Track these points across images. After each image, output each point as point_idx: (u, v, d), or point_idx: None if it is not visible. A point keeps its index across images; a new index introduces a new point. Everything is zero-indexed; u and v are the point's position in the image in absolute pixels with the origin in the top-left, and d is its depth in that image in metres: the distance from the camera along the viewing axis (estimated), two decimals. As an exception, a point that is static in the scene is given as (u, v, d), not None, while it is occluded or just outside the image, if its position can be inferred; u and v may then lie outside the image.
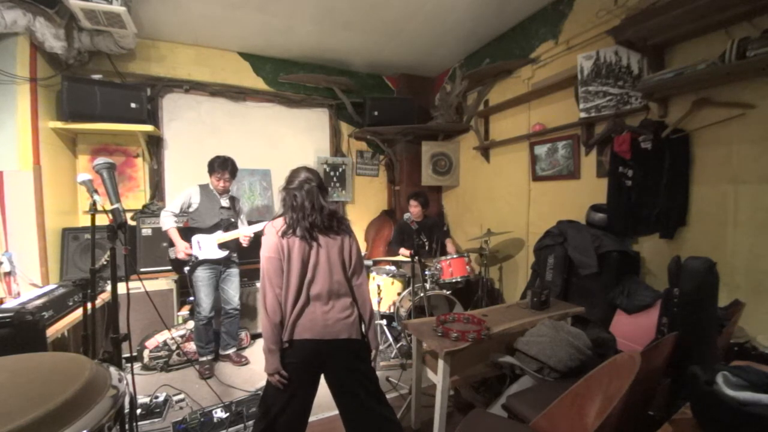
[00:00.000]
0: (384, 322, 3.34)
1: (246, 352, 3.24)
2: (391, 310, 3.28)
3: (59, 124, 3.03)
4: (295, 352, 1.50)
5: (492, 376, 2.22)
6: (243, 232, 2.90)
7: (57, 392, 0.93)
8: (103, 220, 1.70)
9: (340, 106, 4.46)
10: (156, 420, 2.25)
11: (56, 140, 3.12)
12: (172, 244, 2.83)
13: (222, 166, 2.84)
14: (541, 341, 1.90)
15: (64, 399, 0.91)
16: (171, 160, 3.78)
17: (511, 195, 3.66)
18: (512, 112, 3.58)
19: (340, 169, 4.52)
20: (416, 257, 2.56)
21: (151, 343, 2.94)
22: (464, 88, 4.00)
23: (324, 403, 1.59)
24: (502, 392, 2.01)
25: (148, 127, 3.29)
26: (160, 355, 2.92)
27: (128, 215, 3.15)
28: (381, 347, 3.22)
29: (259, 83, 4.06)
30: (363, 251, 4.43)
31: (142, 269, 3.20)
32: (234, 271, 3.04)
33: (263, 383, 2.57)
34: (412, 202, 3.58)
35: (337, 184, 4.50)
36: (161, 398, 2.42)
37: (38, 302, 2.10)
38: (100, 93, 3.06)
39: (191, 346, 2.99)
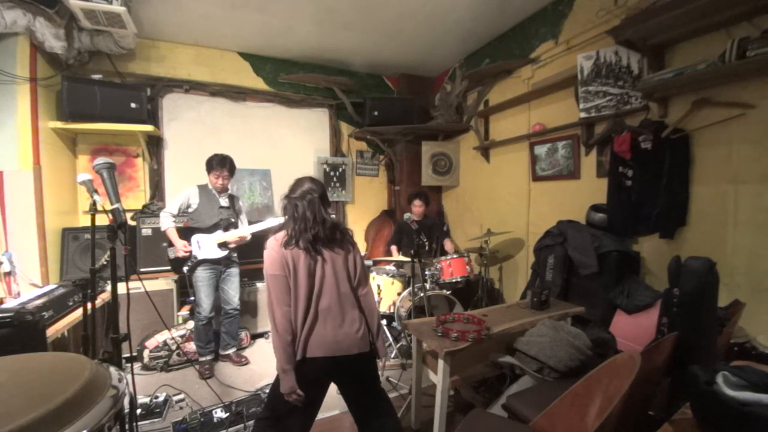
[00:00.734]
0: (384, 322, 3.34)
1: (246, 352, 3.23)
2: (391, 310, 3.28)
3: (59, 124, 3.03)
4: (307, 370, 1.48)
5: (492, 376, 2.22)
6: (243, 233, 2.90)
7: (57, 392, 0.93)
8: (103, 220, 1.69)
9: (340, 106, 4.46)
10: (156, 420, 2.25)
11: (56, 140, 3.12)
12: (171, 244, 2.83)
13: (220, 163, 2.84)
14: (541, 341, 1.90)
15: (64, 399, 0.91)
16: (171, 160, 3.78)
17: (511, 195, 3.66)
18: (512, 112, 3.58)
19: (340, 169, 4.52)
20: (416, 257, 2.56)
21: (151, 343, 2.94)
22: (464, 88, 4.00)
23: (325, 402, 1.60)
24: (502, 392, 2.01)
25: (148, 127, 3.29)
26: (160, 355, 2.92)
27: (128, 215, 3.15)
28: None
29: (259, 83, 4.06)
30: (363, 251, 4.43)
31: (142, 269, 3.20)
32: (234, 271, 3.03)
33: (263, 383, 2.59)
34: (417, 202, 3.57)
35: (337, 184, 4.50)
36: (161, 398, 2.42)
37: (38, 302, 2.10)
38: (100, 93, 3.07)
39: (191, 346, 2.99)
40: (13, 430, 0.79)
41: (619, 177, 2.53)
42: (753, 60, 1.78)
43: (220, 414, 2.22)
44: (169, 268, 3.21)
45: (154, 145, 3.69)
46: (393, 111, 4.16)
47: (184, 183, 3.16)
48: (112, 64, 3.41)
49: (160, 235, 3.08)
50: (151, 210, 3.37)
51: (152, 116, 3.52)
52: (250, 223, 3.05)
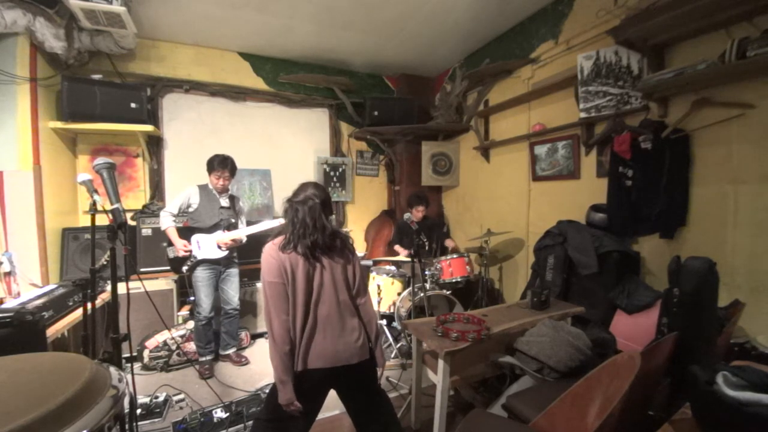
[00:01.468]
0: (384, 322, 3.34)
1: (246, 352, 3.23)
2: (391, 310, 3.28)
3: (59, 124, 3.03)
4: (307, 381, 1.47)
5: (492, 376, 2.22)
6: (243, 233, 2.90)
7: (57, 392, 0.93)
8: (103, 220, 1.69)
9: (340, 106, 4.46)
10: (156, 420, 2.25)
11: (56, 140, 3.12)
12: (171, 244, 2.83)
13: (221, 164, 2.83)
14: (541, 341, 1.90)
15: (64, 399, 0.91)
16: (171, 160, 3.78)
17: (511, 195, 3.66)
18: (512, 112, 3.58)
19: (340, 169, 4.52)
20: (416, 257, 2.56)
21: (151, 343, 2.94)
22: (464, 88, 4.00)
23: (325, 403, 1.59)
24: (502, 392, 2.01)
25: (148, 127, 3.29)
26: (160, 355, 2.92)
27: (128, 215, 3.15)
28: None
29: (259, 83, 4.06)
30: (363, 251, 4.43)
31: (142, 269, 3.20)
32: (234, 271, 3.03)
33: (263, 383, 2.59)
34: (419, 208, 3.56)
35: (337, 184, 4.50)
36: (161, 398, 2.42)
37: (38, 302, 2.10)
38: (100, 93, 3.06)
39: (191, 346, 2.99)
40: (13, 430, 0.79)
41: (619, 177, 2.53)
42: (753, 60, 1.78)
43: (220, 414, 2.22)
44: (168, 268, 3.21)
45: (154, 145, 3.69)
46: (393, 111, 4.16)
47: (184, 183, 3.16)
48: (112, 64, 3.41)
49: (160, 235, 3.08)
50: (151, 210, 3.37)
51: (152, 116, 3.52)
52: (249, 223, 3.05)
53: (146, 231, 3.27)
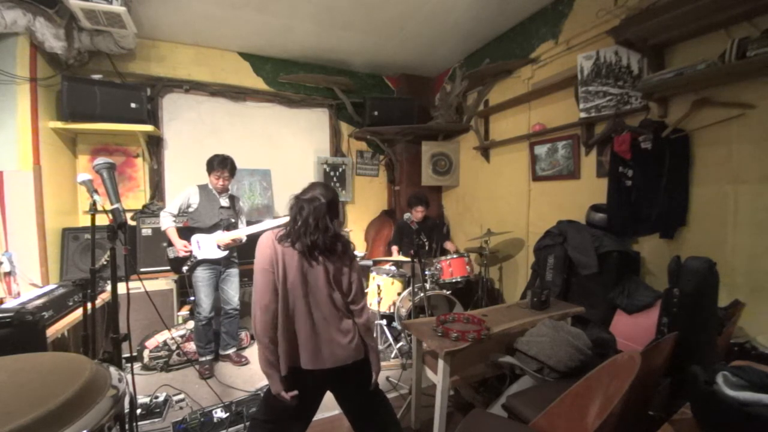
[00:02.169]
0: (384, 322, 3.34)
1: (246, 352, 3.23)
2: (391, 310, 3.28)
3: (59, 124, 3.03)
4: (301, 382, 1.46)
5: (492, 376, 2.22)
6: (243, 233, 2.89)
7: (57, 392, 0.93)
8: (103, 220, 1.69)
9: (340, 106, 4.46)
10: (156, 420, 2.25)
11: (56, 140, 3.12)
12: (171, 244, 2.83)
13: (221, 164, 2.83)
14: (541, 341, 1.90)
15: (64, 399, 0.91)
16: (171, 160, 3.78)
17: (511, 195, 3.66)
18: (512, 112, 3.58)
19: (340, 169, 4.52)
20: (416, 257, 2.56)
21: (151, 343, 2.94)
22: (464, 88, 4.00)
23: (324, 403, 1.59)
24: (502, 392, 2.01)
25: (148, 127, 3.29)
26: (160, 355, 2.92)
27: (128, 215, 3.15)
28: (381, 347, 3.22)
29: (259, 83, 4.06)
30: (363, 251, 4.43)
31: (142, 269, 3.20)
32: (234, 271, 3.03)
33: (263, 383, 2.58)
34: (419, 208, 3.55)
35: (337, 184, 4.50)
36: (161, 398, 2.42)
37: (38, 302, 2.10)
38: (100, 93, 3.06)
39: (191, 346, 2.99)
40: (13, 430, 0.79)
41: (619, 177, 2.53)
42: (753, 60, 1.78)
43: (220, 414, 2.22)
44: (168, 268, 3.21)
45: (154, 145, 3.69)
46: (393, 111, 4.16)
47: (184, 183, 3.16)
48: (112, 64, 3.41)
49: (160, 235, 3.08)
50: (151, 210, 3.37)
51: (152, 116, 3.52)
52: (249, 223, 3.05)
53: (146, 231, 3.27)
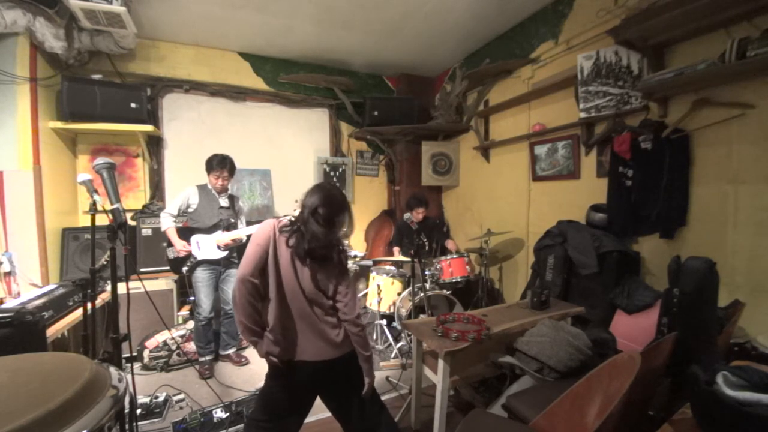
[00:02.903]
0: (384, 322, 3.34)
1: (246, 352, 3.23)
2: (391, 310, 3.28)
3: (59, 124, 3.03)
4: (289, 376, 1.47)
5: (492, 376, 2.22)
6: (242, 233, 2.89)
7: (57, 392, 0.92)
8: (103, 220, 1.69)
9: (340, 106, 4.46)
10: (156, 420, 2.25)
11: (56, 140, 3.12)
12: (171, 244, 2.83)
13: (220, 164, 2.83)
14: (541, 341, 1.90)
15: (64, 399, 0.91)
16: (171, 160, 3.78)
17: (511, 195, 3.66)
18: (512, 112, 3.58)
19: (340, 169, 4.52)
20: (416, 257, 2.56)
21: (151, 343, 2.94)
22: (464, 88, 4.00)
23: (322, 404, 1.59)
24: (502, 392, 2.01)
25: (148, 127, 3.29)
26: (160, 355, 2.92)
27: (128, 215, 3.15)
28: (381, 347, 3.23)
29: (259, 83, 4.06)
30: (363, 251, 4.43)
31: (142, 269, 3.20)
32: (234, 272, 3.03)
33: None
34: (419, 210, 3.55)
35: (337, 184, 4.50)
36: (161, 398, 2.42)
37: (38, 302, 2.10)
38: (100, 93, 3.07)
39: (191, 346, 2.99)
40: (13, 430, 0.79)
41: (619, 177, 2.53)
42: (753, 60, 1.78)
43: (220, 414, 2.22)
44: (168, 268, 3.21)
45: (154, 145, 3.69)
46: (393, 111, 4.16)
47: (184, 183, 3.16)
48: (112, 64, 3.41)
49: (160, 235, 3.08)
50: (151, 210, 3.37)
51: (152, 116, 3.52)
52: (249, 223, 3.05)
53: (146, 231, 3.27)
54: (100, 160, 1.58)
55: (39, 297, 2.20)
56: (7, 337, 1.67)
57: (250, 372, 2.92)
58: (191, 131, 3.84)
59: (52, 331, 2.06)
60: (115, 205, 1.55)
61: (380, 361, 2.98)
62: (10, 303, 2.17)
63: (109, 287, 1.71)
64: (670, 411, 1.30)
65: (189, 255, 2.82)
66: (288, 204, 4.00)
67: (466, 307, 3.24)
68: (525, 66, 3.38)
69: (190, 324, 3.08)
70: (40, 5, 2.57)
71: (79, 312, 2.28)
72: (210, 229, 2.84)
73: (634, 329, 2.20)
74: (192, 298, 2.91)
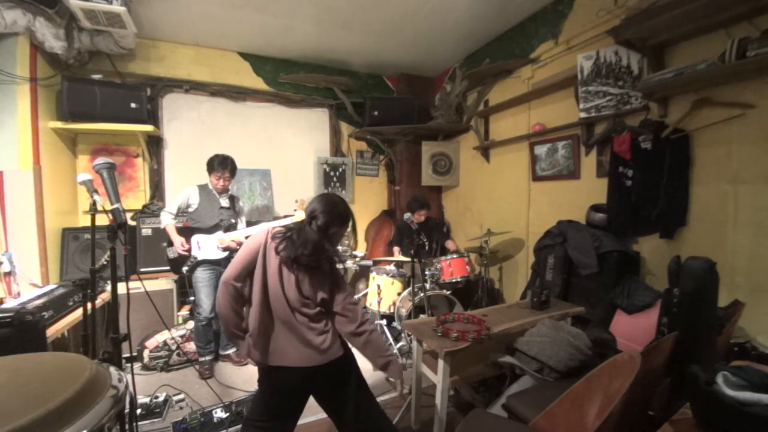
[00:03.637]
0: (384, 322, 3.34)
1: (246, 352, 3.23)
2: (391, 310, 3.28)
3: (59, 124, 3.03)
4: (277, 380, 1.47)
5: (492, 376, 2.21)
6: (243, 234, 2.89)
7: (57, 392, 0.92)
8: (103, 220, 1.69)
9: (340, 106, 4.46)
10: (156, 420, 2.25)
11: (56, 140, 3.12)
12: (170, 244, 2.83)
13: (221, 164, 2.83)
14: (541, 341, 1.90)
15: (64, 399, 0.90)
16: (171, 160, 3.78)
17: (511, 195, 3.66)
18: (512, 112, 3.58)
19: (340, 169, 4.52)
20: (416, 257, 2.56)
21: (151, 343, 2.94)
22: (464, 88, 4.00)
23: (321, 405, 1.60)
24: (502, 392, 2.01)
25: (148, 127, 3.29)
26: (160, 355, 2.92)
27: (128, 215, 3.15)
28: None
29: (259, 83, 4.05)
30: (363, 251, 4.43)
31: (142, 269, 3.20)
32: (234, 272, 3.03)
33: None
34: (421, 212, 3.55)
35: (337, 184, 4.50)
36: (161, 398, 2.42)
37: (38, 302, 2.10)
38: (100, 93, 3.06)
39: (191, 346, 2.99)
40: (13, 431, 0.79)
41: (619, 177, 2.53)
42: (753, 60, 1.78)
43: (220, 414, 2.22)
44: (169, 268, 3.21)
45: (154, 145, 3.69)
46: (393, 111, 4.16)
47: (184, 183, 3.16)
48: (112, 64, 3.41)
49: (160, 235, 3.08)
50: (151, 210, 3.37)
51: (152, 116, 3.52)
52: (249, 223, 3.05)
53: (146, 231, 3.27)
54: (100, 160, 1.58)
55: (39, 297, 2.20)
56: (7, 337, 1.67)
57: (250, 372, 2.92)
58: (191, 131, 3.84)
59: (52, 331, 2.06)
60: (115, 205, 1.55)
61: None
62: (10, 303, 2.17)
63: (109, 287, 1.71)
64: (670, 411, 1.30)
65: (189, 255, 2.82)
66: (288, 204, 3.99)
67: (466, 307, 3.24)
68: (525, 66, 3.38)
69: (190, 324, 3.08)
70: (40, 5, 2.57)
71: (79, 312, 2.28)
72: (210, 230, 2.84)
73: (634, 329, 2.20)
74: (192, 298, 2.91)
